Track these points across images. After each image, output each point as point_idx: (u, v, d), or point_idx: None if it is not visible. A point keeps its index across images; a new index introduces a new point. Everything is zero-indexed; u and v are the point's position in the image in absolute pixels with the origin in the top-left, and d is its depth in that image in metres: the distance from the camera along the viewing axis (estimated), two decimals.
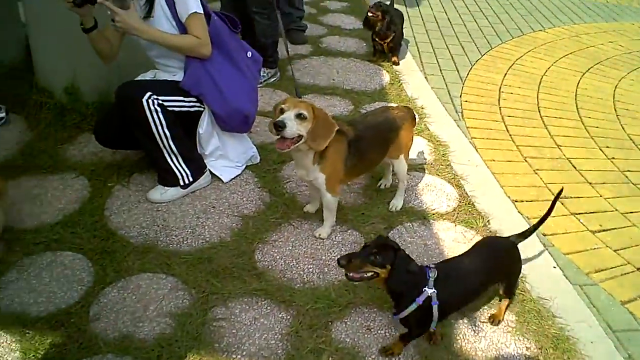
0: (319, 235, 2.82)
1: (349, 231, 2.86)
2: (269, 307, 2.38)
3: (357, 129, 2.69)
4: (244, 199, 3.04)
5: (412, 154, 3.53)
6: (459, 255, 2.31)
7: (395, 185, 3.12)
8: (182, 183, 2.99)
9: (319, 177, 2.61)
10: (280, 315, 2.35)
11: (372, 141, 2.75)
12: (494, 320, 2.39)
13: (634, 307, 2.62)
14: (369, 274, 2.00)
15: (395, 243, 2.06)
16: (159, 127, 2.84)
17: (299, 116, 2.38)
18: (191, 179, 3.02)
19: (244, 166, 3.28)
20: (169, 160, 2.94)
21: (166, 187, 2.98)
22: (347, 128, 2.66)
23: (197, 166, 3.05)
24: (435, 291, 2.03)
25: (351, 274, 1.99)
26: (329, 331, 2.30)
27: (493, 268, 2.26)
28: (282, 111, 2.41)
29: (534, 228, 2.44)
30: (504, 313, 2.41)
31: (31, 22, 3.61)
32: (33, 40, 3.65)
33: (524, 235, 2.40)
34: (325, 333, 2.28)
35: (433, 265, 2.11)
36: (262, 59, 3.43)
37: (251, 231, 2.80)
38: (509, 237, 2.42)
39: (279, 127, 2.33)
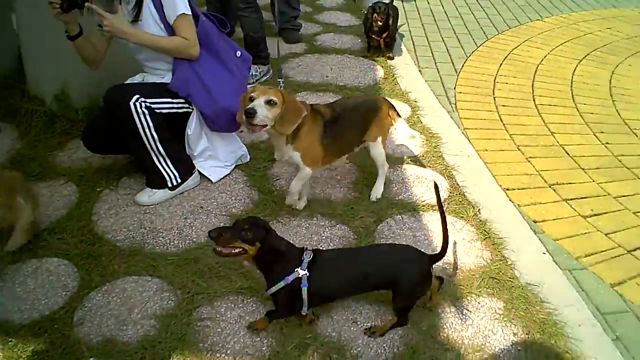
0: (296, 206, 2.95)
1: (338, 226, 2.86)
2: (254, 305, 2.38)
3: (335, 110, 2.78)
4: (233, 198, 3.04)
5: (403, 148, 3.53)
6: (350, 248, 2.28)
7: (395, 181, 3.10)
8: (170, 185, 3.00)
9: (294, 156, 2.69)
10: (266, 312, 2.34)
11: (350, 121, 2.81)
12: (371, 332, 2.26)
13: (623, 289, 2.59)
14: (238, 250, 1.98)
15: (267, 223, 2.07)
16: (147, 130, 2.85)
17: (269, 102, 2.45)
18: (179, 181, 3.02)
19: (233, 166, 3.28)
20: (156, 162, 2.95)
21: (154, 190, 3.00)
22: (324, 110, 2.74)
23: (185, 167, 3.06)
24: (307, 274, 2.03)
25: (219, 249, 1.97)
26: (315, 326, 2.29)
27: (379, 271, 2.15)
28: (251, 99, 2.45)
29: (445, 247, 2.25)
30: (387, 330, 2.26)
31: (23, 32, 3.65)
32: (25, 50, 3.69)
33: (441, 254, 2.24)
34: (311, 328, 2.27)
35: (310, 249, 2.11)
36: (253, 56, 3.44)
37: None
38: (433, 254, 2.26)
39: (250, 114, 2.40)
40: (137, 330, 2.24)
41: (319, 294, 2.09)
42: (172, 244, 2.70)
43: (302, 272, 2.04)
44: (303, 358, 2.16)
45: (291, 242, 2.16)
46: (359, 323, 2.31)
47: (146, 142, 2.88)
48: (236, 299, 2.40)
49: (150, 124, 2.84)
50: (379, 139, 2.93)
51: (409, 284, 2.15)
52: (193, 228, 2.81)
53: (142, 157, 2.95)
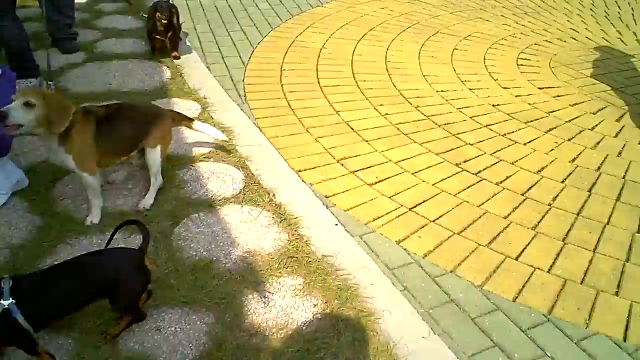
0: (91, 221, 2.82)
1: (132, 236, 2.76)
2: (46, 337, 2.21)
3: (112, 108, 2.80)
4: (12, 228, 2.79)
5: (195, 146, 3.51)
6: (59, 263, 2.16)
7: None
8: None
9: (66, 159, 2.64)
10: (59, 343, 2.19)
11: (128, 120, 2.82)
12: (107, 335, 2.21)
13: (406, 244, 2.85)
14: None
15: None
16: None
17: (26, 104, 2.39)
18: None
19: (9, 193, 3.00)
20: None
21: None
22: (97, 108, 2.73)
23: None
24: (14, 301, 1.89)
25: None
26: (116, 343, 2.20)
27: (88, 280, 2.06)
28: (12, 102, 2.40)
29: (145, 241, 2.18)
30: (122, 330, 2.23)
31: None
32: None
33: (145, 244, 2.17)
34: (111, 347, 2.18)
35: (7, 276, 1.95)
36: (20, 69, 3.20)
37: (21, 262, 2.57)
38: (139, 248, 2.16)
39: (1, 117, 2.35)
40: None
41: (38, 316, 1.96)
42: None
43: (6, 302, 1.87)
44: None
45: None
46: (162, 330, 2.27)
47: None
48: None
49: None
50: (159, 147, 2.93)
51: (125, 283, 2.09)
52: None
53: None
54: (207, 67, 4.83)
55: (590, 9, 7.25)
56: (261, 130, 3.83)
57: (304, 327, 2.31)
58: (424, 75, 4.92)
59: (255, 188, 3.16)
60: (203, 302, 2.38)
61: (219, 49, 5.26)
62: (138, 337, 2.23)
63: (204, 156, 3.44)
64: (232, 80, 4.62)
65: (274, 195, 3.09)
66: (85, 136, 2.63)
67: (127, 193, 3.08)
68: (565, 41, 6.01)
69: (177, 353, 2.17)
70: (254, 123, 3.93)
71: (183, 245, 2.71)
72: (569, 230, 3.04)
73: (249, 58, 5.08)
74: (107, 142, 2.71)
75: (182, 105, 4.05)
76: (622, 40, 6.18)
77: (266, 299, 2.43)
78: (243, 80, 4.61)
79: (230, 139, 3.64)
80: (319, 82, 4.66)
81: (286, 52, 5.25)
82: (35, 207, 2.94)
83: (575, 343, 2.39)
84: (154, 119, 2.93)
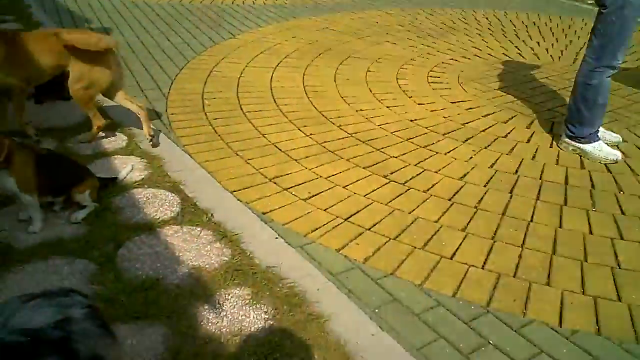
0: (33, 230, 2.95)
1: (76, 261, 2.75)
2: None
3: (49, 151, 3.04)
4: None
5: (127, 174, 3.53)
6: None
7: None
8: None
9: (8, 181, 2.79)
10: None
11: (64, 167, 3.11)
12: None
13: (346, 251, 3.02)
14: None
15: None
16: None
17: None
18: None
19: None
20: None
21: None
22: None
23: None
24: None
25: None
26: None
27: None
28: None
29: None
30: None
31: None
32: None
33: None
34: None
35: None
36: None
37: None
38: None
39: None
40: None
41: None
42: None
43: None
44: None
45: None
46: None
47: None
48: None
49: None
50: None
51: None
52: None
53: None
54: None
55: (489, 29, 7.93)
56: (191, 156, 3.90)
57: (257, 333, 2.40)
58: (342, 97, 5.18)
59: (193, 209, 3.22)
60: (155, 316, 2.41)
61: (137, 83, 5.28)
62: None
63: (136, 183, 3.46)
64: (155, 111, 4.66)
65: (212, 214, 3.17)
66: (28, 162, 2.80)
67: (59, 220, 3.06)
68: (469, 59, 6.53)
69: None
70: (182, 149, 4.00)
71: (128, 266, 2.73)
72: (497, 229, 3.30)
73: (169, 90, 5.14)
74: (43, 179, 2.89)
75: (109, 138, 4.06)
76: (521, 55, 6.81)
77: (217, 310, 2.50)
78: (166, 111, 4.67)
79: (161, 166, 3.68)
80: (241, 108, 4.80)
81: (205, 82, 5.36)
82: None
83: (515, 331, 2.58)
84: (86, 176, 3.16)
